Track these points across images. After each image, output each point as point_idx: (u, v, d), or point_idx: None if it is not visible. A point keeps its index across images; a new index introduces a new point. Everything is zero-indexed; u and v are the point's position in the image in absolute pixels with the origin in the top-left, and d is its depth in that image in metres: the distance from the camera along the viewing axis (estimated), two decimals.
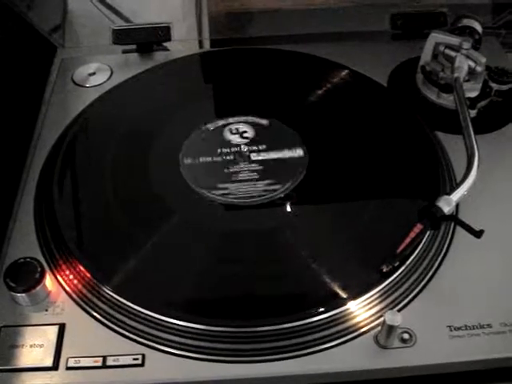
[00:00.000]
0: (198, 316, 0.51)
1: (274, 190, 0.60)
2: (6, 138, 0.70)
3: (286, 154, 0.64)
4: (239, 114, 0.68)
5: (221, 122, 0.67)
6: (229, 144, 0.65)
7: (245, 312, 0.51)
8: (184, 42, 0.82)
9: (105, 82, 0.74)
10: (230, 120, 0.67)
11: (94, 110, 0.70)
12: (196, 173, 0.62)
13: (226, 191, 0.60)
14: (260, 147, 0.64)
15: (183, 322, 0.50)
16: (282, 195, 0.60)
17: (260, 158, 0.64)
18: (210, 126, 0.67)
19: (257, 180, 0.61)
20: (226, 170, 0.62)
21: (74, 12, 0.84)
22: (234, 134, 0.66)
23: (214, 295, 0.53)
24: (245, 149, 0.64)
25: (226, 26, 0.86)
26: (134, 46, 0.78)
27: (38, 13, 0.78)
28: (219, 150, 0.64)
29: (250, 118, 0.67)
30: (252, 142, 0.65)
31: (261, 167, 0.63)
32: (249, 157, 0.64)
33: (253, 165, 0.63)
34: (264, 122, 0.67)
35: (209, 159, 0.64)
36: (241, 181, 0.61)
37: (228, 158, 0.64)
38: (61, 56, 0.79)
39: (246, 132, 0.66)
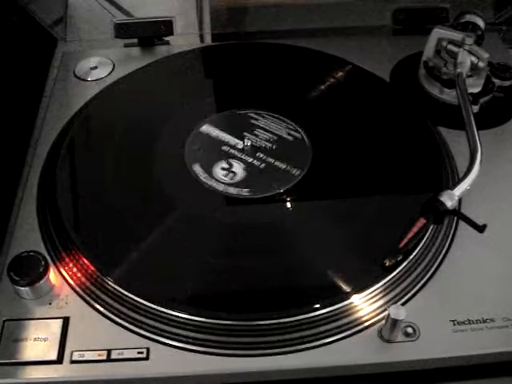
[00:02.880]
0: (203, 309, 0.51)
1: (253, 190, 0.60)
2: (6, 132, 0.70)
3: (288, 162, 0.63)
4: (242, 107, 0.68)
5: (251, 112, 0.68)
6: (244, 134, 0.66)
7: (249, 305, 0.51)
8: (185, 37, 0.82)
9: (107, 76, 0.74)
10: (262, 113, 0.68)
11: (96, 104, 0.70)
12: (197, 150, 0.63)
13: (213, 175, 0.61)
14: (268, 147, 0.64)
15: (188, 315, 0.50)
16: (284, 190, 0.60)
17: (262, 157, 0.64)
18: (240, 112, 0.68)
19: (247, 174, 0.62)
20: (224, 156, 0.63)
21: (76, 6, 0.83)
22: (255, 127, 0.67)
23: (219, 288, 0.53)
24: (250, 143, 0.64)
25: (227, 20, 0.86)
26: (135, 40, 0.78)
27: (40, 5, 0.78)
28: (231, 136, 0.65)
29: (279, 119, 0.68)
30: (265, 140, 0.65)
31: (258, 165, 0.63)
32: (252, 152, 0.64)
33: (252, 160, 0.63)
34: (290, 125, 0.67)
35: (218, 140, 0.65)
36: (233, 170, 0.62)
37: (235, 146, 0.65)
38: (62, 49, 0.79)
39: (265, 129, 0.66)
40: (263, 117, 0.68)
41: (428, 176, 0.61)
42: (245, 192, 0.60)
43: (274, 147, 0.64)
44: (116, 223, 0.58)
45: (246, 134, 0.66)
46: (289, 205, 0.59)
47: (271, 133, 0.66)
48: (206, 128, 0.67)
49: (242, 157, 0.63)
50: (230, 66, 0.76)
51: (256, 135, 0.66)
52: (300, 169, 0.62)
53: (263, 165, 0.63)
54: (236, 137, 0.65)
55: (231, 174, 0.62)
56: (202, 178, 0.61)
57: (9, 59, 0.75)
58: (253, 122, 0.67)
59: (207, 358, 0.49)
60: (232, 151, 0.64)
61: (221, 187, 0.60)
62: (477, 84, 0.68)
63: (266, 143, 0.65)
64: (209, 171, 0.62)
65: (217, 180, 0.61)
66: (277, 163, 0.63)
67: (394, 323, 0.48)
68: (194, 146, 0.65)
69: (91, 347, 0.50)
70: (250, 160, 0.63)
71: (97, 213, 0.59)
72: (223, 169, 0.62)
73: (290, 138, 0.65)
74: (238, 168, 0.62)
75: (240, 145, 0.64)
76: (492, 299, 0.52)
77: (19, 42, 0.78)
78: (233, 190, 0.60)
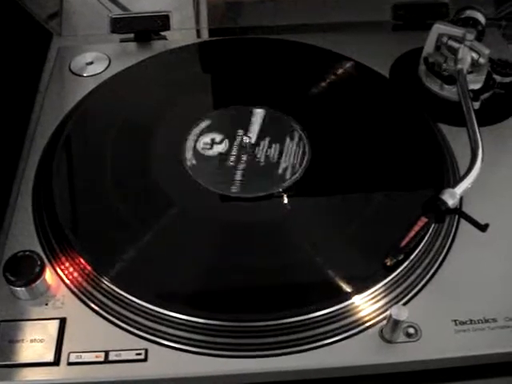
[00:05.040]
0: (201, 310, 0.50)
1: (251, 188, 0.59)
2: (0, 127, 0.69)
3: (286, 160, 0.62)
4: (242, 104, 0.67)
5: (251, 108, 0.67)
6: (243, 131, 0.65)
7: (249, 306, 0.51)
8: (182, 32, 0.81)
9: (103, 71, 0.73)
10: (261, 110, 0.67)
11: (93, 100, 0.69)
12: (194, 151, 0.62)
13: (209, 171, 0.60)
14: (267, 145, 0.63)
15: (186, 316, 0.50)
16: (284, 188, 0.59)
17: (260, 154, 0.63)
18: (240, 108, 0.67)
19: (243, 172, 0.61)
20: (222, 154, 0.62)
21: (71, 0, 0.82)
22: (255, 124, 0.66)
23: (218, 289, 0.52)
24: (249, 140, 0.63)
25: (224, 15, 0.85)
26: (131, 35, 0.77)
27: None
28: (230, 133, 0.64)
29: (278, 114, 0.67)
30: (263, 137, 0.64)
31: (256, 163, 0.62)
32: (251, 149, 0.63)
33: (250, 158, 0.62)
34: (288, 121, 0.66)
35: (216, 137, 0.64)
36: (230, 167, 0.61)
37: (233, 143, 0.64)
38: (57, 44, 0.78)
39: (265, 126, 0.66)
40: (261, 113, 0.67)
41: (429, 174, 0.60)
42: (243, 191, 0.59)
43: (272, 145, 0.64)
44: (113, 222, 0.57)
45: (243, 131, 0.65)
46: (288, 204, 0.59)
47: (270, 130, 0.65)
48: (204, 124, 0.66)
49: (240, 155, 0.63)
50: (227, 62, 0.75)
51: (254, 132, 0.65)
52: (299, 167, 0.61)
53: (262, 163, 0.62)
54: (234, 134, 0.65)
55: (229, 172, 0.61)
56: (199, 176, 0.60)
57: (3, 54, 0.74)
58: (251, 118, 0.66)
59: (207, 359, 0.49)
60: (230, 148, 0.63)
61: (219, 186, 0.59)
62: (477, 80, 0.67)
63: (264, 141, 0.64)
64: (207, 169, 0.61)
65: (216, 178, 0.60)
66: (275, 161, 0.62)
67: (396, 324, 0.48)
68: (192, 143, 0.64)
69: (88, 348, 0.49)
70: (248, 158, 0.62)
71: (93, 211, 0.58)
72: (221, 167, 0.61)
73: (289, 135, 0.65)
74: (236, 166, 0.61)
75: (238, 142, 0.64)
76: (494, 299, 0.52)
77: (14, 37, 0.77)
78: (230, 189, 0.59)
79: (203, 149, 0.63)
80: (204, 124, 0.66)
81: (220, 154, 0.63)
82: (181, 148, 0.63)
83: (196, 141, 0.64)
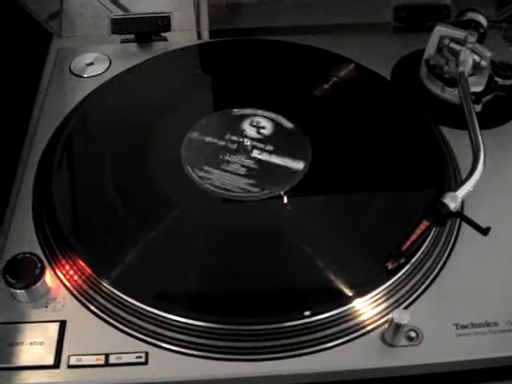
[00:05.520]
0: (202, 313, 0.50)
1: (250, 192, 0.59)
2: (0, 128, 0.69)
3: (286, 162, 0.62)
4: (243, 106, 0.67)
5: (248, 111, 0.67)
6: (240, 133, 0.64)
7: (250, 309, 0.51)
8: (182, 33, 0.81)
9: (103, 72, 0.72)
10: (259, 112, 0.67)
11: (93, 101, 0.68)
12: (192, 151, 0.62)
13: (208, 175, 0.60)
14: (266, 147, 0.63)
15: (187, 319, 0.49)
16: (283, 191, 0.59)
17: (259, 157, 0.62)
18: (237, 111, 0.67)
19: (242, 176, 0.60)
20: (220, 156, 0.62)
21: (72, 0, 0.82)
22: (253, 126, 0.65)
23: (218, 292, 0.52)
24: (248, 143, 0.63)
25: (225, 16, 0.85)
26: (132, 36, 0.77)
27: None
28: (228, 136, 0.64)
29: (277, 117, 0.66)
30: (263, 140, 0.64)
31: (255, 166, 0.62)
32: (249, 152, 0.63)
33: (248, 161, 0.62)
34: (289, 125, 0.66)
35: (214, 140, 0.64)
36: (227, 171, 0.61)
37: (231, 145, 0.63)
38: (57, 45, 0.78)
39: (263, 128, 0.65)
40: (262, 115, 0.67)
41: (430, 177, 0.60)
42: (243, 193, 0.59)
43: (272, 147, 0.63)
44: (113, 225, 0.57)
45: (244, 132, 0.65)
46: (289, 206, 0.58)
47: (270, 132, 0.65)
48: (204, 125, 0.65)
49: (240, 157, 0.62)
50: (227, 63, 0.75)
51: (254, 134, 0.65)
52: (299, 169, 0.61)
53: (261, 165, 0.62)
54: (234, 136, 0.64)
55: (229, 175, 0.61)
56: (199, 179, 0.60)
57: (3, 55, 0.73)
58: (251, 119, 0.66)
59: (207, 362, 0.48)
60: (230, 151, 0.63)
61: (197, 176, 0.59)
62: (479, 83, 0.67)
63: (265, 142, 0.64)
64: (207, 172, 0.61)
65: (198, 169, 0.60)
66: (275, 164, 0.62)
67: (398, 327, 0.48)
68: (192, 144, 0.63)
69: (89, 351, 0.49)
70: (248, 160, 0.62)
71: (93, 214, 0.58)
72: (221, 169, 0.61)
73: (290, 137, 0.64)
74: (236, 168, 0.61)
75: (238, 144, 0.63)
76: (495, 302, 0.52)
77: (13, 38, 0.77)
78: (230, 192, 0.59)
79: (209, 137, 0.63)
80: (204, 125, 0.65)
81: (219, 156, 0.62)
82: (181, 150, 0.63)
83: None
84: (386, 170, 0.61)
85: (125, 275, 0.52)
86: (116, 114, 0.67)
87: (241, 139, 0.64)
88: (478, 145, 0.57)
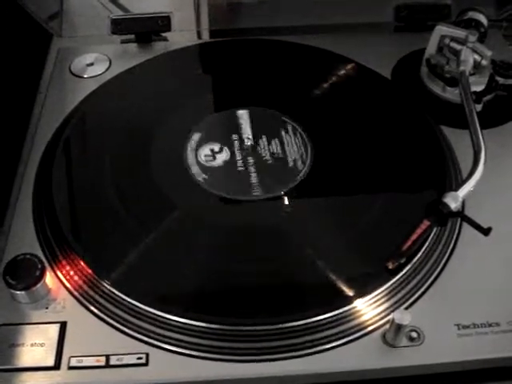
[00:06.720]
0: (203, 314, 0.50)
1: (251, 191, 0.59)
2: (0, 129, 0.69)
3: (287, 162, 0.62)
4: (243, 106, 0.67)
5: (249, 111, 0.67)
6: (241, 133, 0.64)
7: (250, 310, 0.50)
8: (182, 33, 0.81)
9: (103, 72, 0.72)
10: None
11: (93, 101, 0.68)
12: (192, 151, 0.62)
13: (208, 175, 0.60)
14: (267, 147, 0.63)
15: (187, 320, 0.49)
16: (284, 191, 0.59)
17: (260, 157, 0.62)
18: (238, 111, 0.67)
19: (243, 176, 0.60)
20: (220, 156, 0.62)
21: (72, 0, 0.82)
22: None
23: (219, 293, 0.52)
24: (248, 143, 0.63)
25: (225, 16, 0.85)
26: (132, 36, 0.77)
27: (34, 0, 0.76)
28: (228, 136, 0.64)
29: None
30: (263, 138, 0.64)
31: (255, 166, 0.61)
32: (250, 152, 0.63)
33: (249, 161, 0.62)
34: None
35: (214, 140, 0.64)
36: (228, 171, 0.61)
37: (231, 145, 0.63)
38: (57, 45, 0.77)
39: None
40: (263, 115, 0.66)
41: (431, 177, 0.60)
42: (244, 194, 0.59)
43: (273, 147, 0.63)
44: (114, 225, 0.56)
45: (237, 134, 0.64)
46: (290, 207, 0.58)
47: (271, 132, 0.65)
48: (205, 125, 0.65)
49: (242, 157, 0.62)
50: (228, 63, 0.75)
51: (255, 134, 0.64)
52: (300, 169, 0.61)
53: (262, 165, 0.61)
54: (235, 136, 0.64)
55: (230, 175, 0.60)
56: (200, 179, 0.60)
57: (3, 55, 0.73)
58: (252, 120, 0.66)
59: (208, 363, 0.48)
60: (231, 151, 0.63)
61: (218, 189, 0.59)
62: (480, 82, 0.67)
63: (266, 143, 0.64)
64: (207, 172, 0.61)
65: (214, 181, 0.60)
66: (276, 164, 0.62)
67: (399, 328, 0.48)
68: (193, 145, 0.63)
69: (89, 353, 0.48)
70: (250, 160, 0.62)
71: (94, 214, 0.57)
72: (222, 169, 0.61)
73: (290, 136, 0.64)
74: (238, 168, 0.61)
75: (239, 144, 0.63)
76: (497, 303, 0.52)
77: (14, 38, 0.77)
78: (231, 192, 0.59)
79: (207, 161, 0.62)
80: (196, 136, 0.65)
81: (225, 162, 0.62)
82: (182, 150, 0.63)
83: (196, 155, 0.63)
84: (387, 169, 0.61)
85: (125, 276, 0.52)
86: (116, 114, 0.67)
87: (241, 139, 0.64)
88: (478, 144, 0.57)
